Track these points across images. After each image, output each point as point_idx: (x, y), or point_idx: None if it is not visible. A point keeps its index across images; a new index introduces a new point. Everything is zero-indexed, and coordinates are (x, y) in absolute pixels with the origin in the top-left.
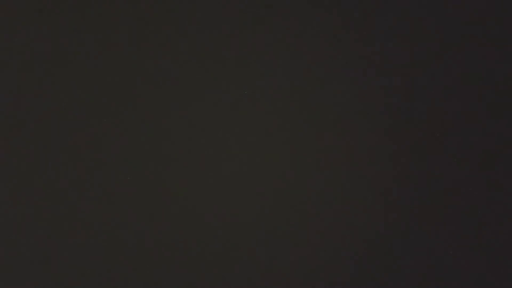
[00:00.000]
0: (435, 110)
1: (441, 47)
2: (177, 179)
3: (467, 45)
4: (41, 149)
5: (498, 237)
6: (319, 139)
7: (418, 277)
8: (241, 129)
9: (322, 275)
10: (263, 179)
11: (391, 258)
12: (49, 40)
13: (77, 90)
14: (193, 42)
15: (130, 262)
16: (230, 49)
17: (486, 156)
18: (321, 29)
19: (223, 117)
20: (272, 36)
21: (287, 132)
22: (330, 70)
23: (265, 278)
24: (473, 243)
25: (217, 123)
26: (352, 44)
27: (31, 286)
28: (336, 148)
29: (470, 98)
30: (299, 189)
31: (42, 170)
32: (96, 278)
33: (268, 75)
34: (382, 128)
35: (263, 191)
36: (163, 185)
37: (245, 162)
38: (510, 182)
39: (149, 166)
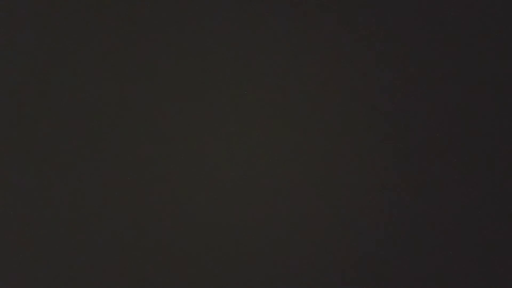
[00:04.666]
0: (435, 110)
1: (441, 47)
2: (177, 179)
3: (467, 45)
4: (40, 149)
5: (498, 237)
6: (320, 139)
7: (418, 278)
8: (241, 129)
9: (324, 277)
10: (263, 179)
11: (392, 259)
12: (49, 40)
13: (77, 90)
14: (193, 42)
15: (130, 263)
16: (230, 49)
17: (486, 156)
18: (321, 29)
19: (222, 117)
20: (273, 36)
21: (287, 132)
22: (331, 70)
23: (266, 279)
24: (473, 243)
25: (216, 124)
26: (352, 44)
27: (31, 286)
28: (337, 148)
29: (470, 98)
30: (299, 189)
31: (41, 170)
32: (96, 279)
33: (268, 75)
34: (383, 128)
35: (264, 191)
36: (163, 186)
37: (246, 163)
38: (510, 182)
39: (149, 167)
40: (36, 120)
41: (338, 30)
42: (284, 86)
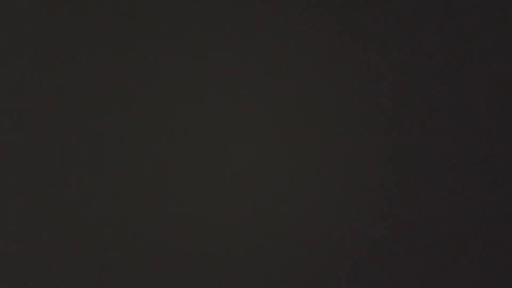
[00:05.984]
0: (435, 110)
1: (441, 47)
2: (177, 179)
3: (466, 45)
4: (41, 149)
5: (498, 237)
6: (319, 139)
7: (418, 278)
8: (240, 129)
9: (323, 277)
10: (263, 179)
11: (391, 259)
12: (49, 40)
13: (77, 90)
14: (193, 42)
15: (130, 263)
16: (230, 49)
17: (486, 156)
18: (321, 30)
19: (222, 117)
20: (273, 36)
21: (287, 132)
22: (331, 70)
23: (266, 280)
24: (473, 243)
25: (216, 124)
26: (352, 44)
27: (31, 286)
28: (337, 148)
29: (470, 98)
30: (299, 190)
31: (41, 170)
32: (96, 279)
33: (268, 76)
34: (382, 128)
35: (263, 191)
36: (163, 186)
37: (245, 163)
38: (510, 182)
39: (149, 167)
40: (36, 120)
41: (338, 31)
42: (284, 86)
